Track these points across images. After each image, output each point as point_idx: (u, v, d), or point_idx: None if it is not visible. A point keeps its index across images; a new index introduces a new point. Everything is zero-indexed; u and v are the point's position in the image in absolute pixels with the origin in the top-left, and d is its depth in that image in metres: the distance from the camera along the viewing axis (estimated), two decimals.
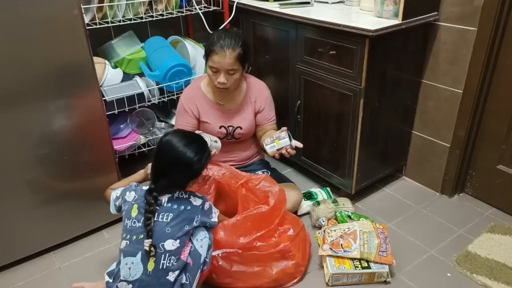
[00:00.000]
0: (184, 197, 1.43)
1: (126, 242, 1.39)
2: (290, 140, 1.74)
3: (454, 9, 1.85)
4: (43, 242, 1.84)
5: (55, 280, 1.74)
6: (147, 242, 1.34)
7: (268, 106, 1.99)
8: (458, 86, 1.95)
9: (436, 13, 1.90)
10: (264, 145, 1.80)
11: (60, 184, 1.78)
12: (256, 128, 2.01)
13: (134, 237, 1.37)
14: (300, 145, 1.77)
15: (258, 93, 1.97)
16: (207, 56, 1.80)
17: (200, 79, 2.01)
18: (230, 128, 1.95)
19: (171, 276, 1.36)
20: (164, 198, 1.41)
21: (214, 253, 1.57)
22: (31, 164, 1.68)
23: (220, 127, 1.95)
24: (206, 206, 1.47)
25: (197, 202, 1.44)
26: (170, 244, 1.36)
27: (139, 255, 1.36)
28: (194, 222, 1.42)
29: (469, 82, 1.90)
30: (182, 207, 1.40)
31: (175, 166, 1.41)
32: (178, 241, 1.37)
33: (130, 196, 1.45)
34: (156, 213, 1.38)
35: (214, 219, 1.49)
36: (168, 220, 1.38)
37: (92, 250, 1.88)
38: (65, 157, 1.74)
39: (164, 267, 1.35)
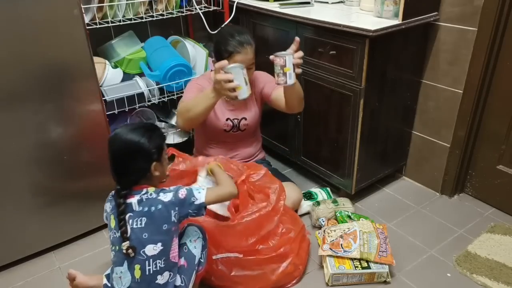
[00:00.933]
0: (153, 196, 1.35)
1: (113, 253, 1.38)
2: (288, 55, 1.54)
3: (454, 9, 1.85)
4: (43, 242, 1.84)
5: (55, 280, 1.74)
6: (124, 245, 1.32)
7: (266, 81, 1.94)
8: (458, 86, 1.95)
9: (436, 13, 1.90)
10: (281, 83, 1.61)
11: (60, 184, 1.78)
12: (270, 99, 1.92)
13: (117, 247, 1.35)
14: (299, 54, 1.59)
15: (254, 76, 1.95)
16: (226, 58, 1.69)
17: (208, 72, 2.01)
18: (236, 121, 1.95)
19: (160, 280, 1.34)
20: (134, 201, 1.34)
21: (215, 257, 1.56)
22: (31, 164, 1.68)
23: (227, 120, 1.94)
24: (181, 194, 1.36)
25: (167, 197, 1.35)
26: (151, 249, 1.32)
27: (125, 264, 1.35)
28: (173, 218, 1.34)
29: (469, 82, 1.90)
30: (153, 208, 1.33)
31: (128, 156, 1.34)
32: (159, 244, 1.32)
33: (109, 207, 1.41)
34: (131, 220, 1.33)
35: (200, 199, 1.36)
36: (143, 225, 1.32)
37: (92, 250, 1.88)
38: (65, 157, 1.74)
39: (151, 272, 1.33)
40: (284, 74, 1.57)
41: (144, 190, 1.36)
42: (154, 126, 1.45)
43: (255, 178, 1.70)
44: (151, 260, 1.32)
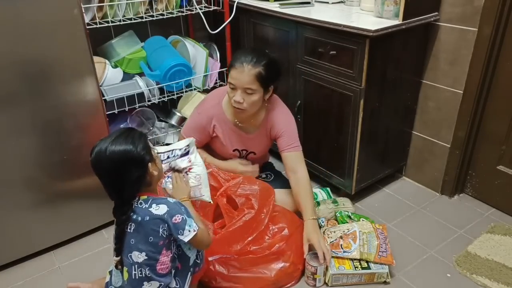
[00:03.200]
0: (144, 206, 1.29)
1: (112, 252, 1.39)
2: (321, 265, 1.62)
3: (455, 9, 1.85)
4: (43, 241, 1.84)
5: (54, 279, 1.74)
6: (114, 260, 1.33)
7: (289, 132, 1.83)
8: (458, 87, 1.95)
9: (436, 13, 1.89)
10: (310, 285, 1.67)
11: (60, 184, 1.78)
12: (281, 154, 1.86)
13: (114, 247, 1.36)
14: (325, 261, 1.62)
15: (276, 119, 1.84)
16: (228, 71, 1.73)
17: (221, 94, 1.87)
18: (244, 152, 1.93)
19: (147, 286, 1.31)
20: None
21: (210, 258, 1.56)
22: (31, 163, 1.68)
23: (234, 150, 1.90)
24: (175, 219, 1.28)
25: (160, 211, 1.28)
26: (136, 256, 1.29)
27: None
28: (162, 232, 1.27)
29: (470, 83, 1.90)
30: (140, 218, 1.28)
31: (122, 170, 1.25)
32: (143, 253, 1.28)
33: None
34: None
35: (184, 237, 1.28)
36: (131, 231, 1.29)
37: (91, 250, 1.88)
38: (65, 156, 1.74)
39: (137, 277, 1.31)
40: (314, 279, 1.65)
41: (136, 198, 1.31)
42: (130, 129, 1.36)
43: (234, 189, 1.70)
44: (136, 266, 1.30)
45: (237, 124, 1.85)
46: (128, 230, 1.30)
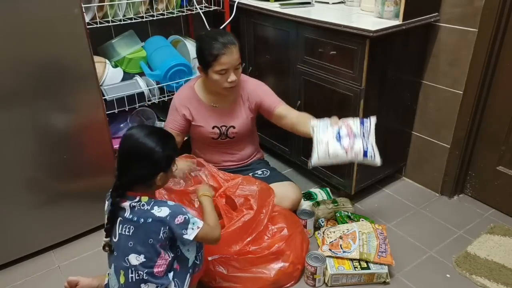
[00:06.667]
0: (146, 208, 1.30)
1: (107, 254, 1.39)
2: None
3: (455, 10, 1.85)
4: (43, 241, 1.84)
5: (54, 279, 1.74)
6: (103, 241, 1.32)
7: (265, 94, 1.92)
8: (458, 87, 1.95)
9: (436, 14, 1.90)
10: (310, 285, 1.66)
11: (60, 184, 1.78)
12: (272, 119, 1.91)
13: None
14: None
15: (249, 89, 1.92)
16: (211, 62, 1.72)
17: (193, 80, 1.97)
18: (223, 128, 1.93)
19: None
20: (126, 206, 1.32)
21: (210, 258, 1.56)
22: (31, 163, 1.68)
23: (213, 128, 1.92)
24: (177, 220, 1.30)
25: (162, 213, 1.29)
26: (134, 259, 1.30)
27: (112, 267, 1.36)
28: (161, 235, 1.29)
29: (469, 83, 1.90)
30: (142, 220, 1.29)
31: (136, 158, 1.30)
32: (142, 256, 1.29)
33: (106, 205, 1.39)
34: (121, 225, 1.32)
35: (188, 236, 1.31)
36: (130, 233, 1.30)
37: (91, 249, 1.88)
38: (65, 156, 1.74)
39: (134, 280, 1.31)
40: (313, 279, 1.65)
41: (137, 198, 1.32)
42: (170, 135, 1.42)
43: (233, 189, 1.70)
44: (133, 269, 1.30)
45: (212, 105, 1.91)
46: (127, 233, 1.31)
